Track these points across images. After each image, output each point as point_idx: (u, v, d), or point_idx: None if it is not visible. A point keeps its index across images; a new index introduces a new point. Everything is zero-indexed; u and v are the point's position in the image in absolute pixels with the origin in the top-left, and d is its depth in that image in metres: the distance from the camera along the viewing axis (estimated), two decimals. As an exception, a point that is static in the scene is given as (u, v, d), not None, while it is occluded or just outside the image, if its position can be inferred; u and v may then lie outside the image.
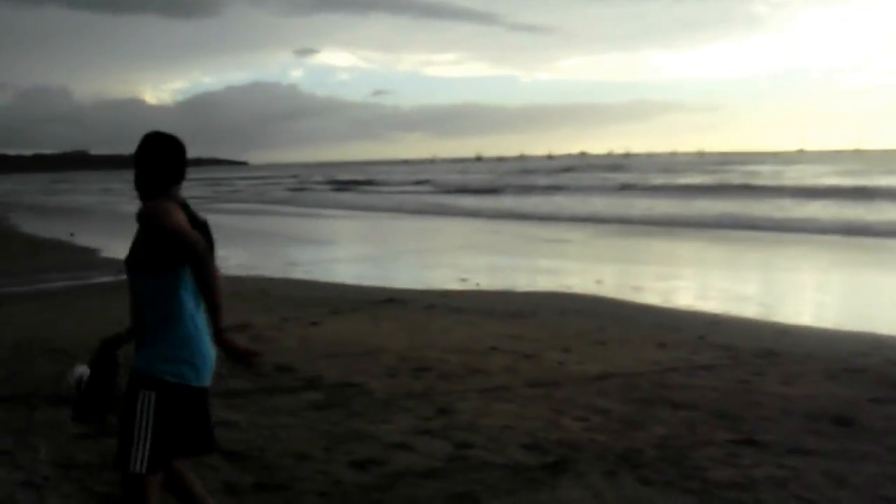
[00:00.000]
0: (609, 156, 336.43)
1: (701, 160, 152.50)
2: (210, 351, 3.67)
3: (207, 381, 3.71)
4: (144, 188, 3.70)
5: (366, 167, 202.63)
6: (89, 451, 5.60)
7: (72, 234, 28.05)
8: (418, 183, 80.00)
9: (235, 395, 7.42)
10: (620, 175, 77.97)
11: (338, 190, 75.92)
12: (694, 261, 21.42)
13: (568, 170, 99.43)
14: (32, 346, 8.63)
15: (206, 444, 3.89)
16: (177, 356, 3.57)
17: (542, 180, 71.76)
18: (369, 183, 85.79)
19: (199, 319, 3.64)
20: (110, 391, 3.87)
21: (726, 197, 43.21)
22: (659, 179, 66.21)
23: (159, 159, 3.70)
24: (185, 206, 3.65)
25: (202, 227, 3.70)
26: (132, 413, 3.55)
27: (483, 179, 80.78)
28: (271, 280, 16.80)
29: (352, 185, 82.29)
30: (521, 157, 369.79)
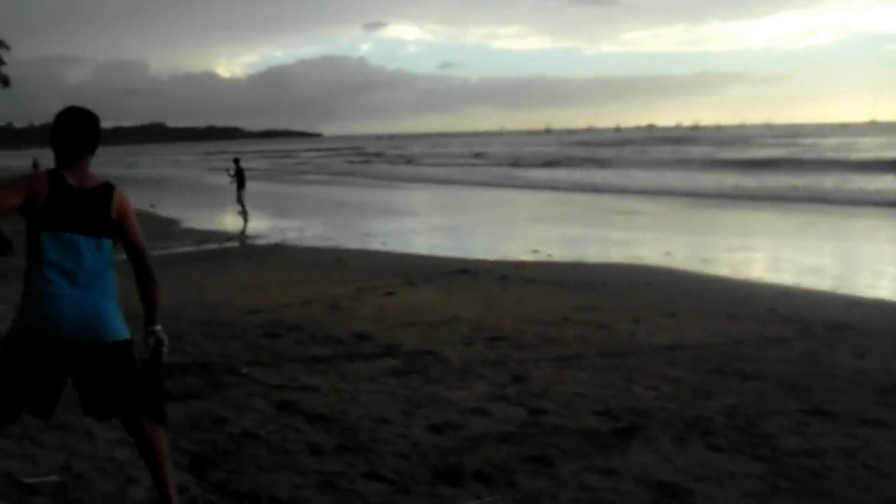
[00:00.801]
0: (677, 128, 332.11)
1: (769, 132, 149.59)
2: (60, 311, 3.70)
3: (53, 334, 3.70)
4: (55, 157, 3.93)
5: (437, 139, 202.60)
6: (179, 412, 5.82)
7: (153, 206, 28.54)
8: (476, 155, 79.98)
9: (317, 360, 7.71)
10: (689, 147, 76.98)
11: (407, 162, 75.96)
12: (763, 233, 21.20)
13: (635, 142, 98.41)
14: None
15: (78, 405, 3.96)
16: (25, 309, 3.74)
17: (611, 153, 71.17)
18: (439, 156, 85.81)
19: (53, 278, 3.70)
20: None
21: (796, 170, 42.55)
22: (727, 152, 65.22)
23: (62, 132, 3.95)
24: (57, 179, 3.82)
25: (82, 197, 3.91)
26: None
27: (553, 152, 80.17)
28: (346, 251, 17.14)
29: (419, 158, 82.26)
30: (590, 130, 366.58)
